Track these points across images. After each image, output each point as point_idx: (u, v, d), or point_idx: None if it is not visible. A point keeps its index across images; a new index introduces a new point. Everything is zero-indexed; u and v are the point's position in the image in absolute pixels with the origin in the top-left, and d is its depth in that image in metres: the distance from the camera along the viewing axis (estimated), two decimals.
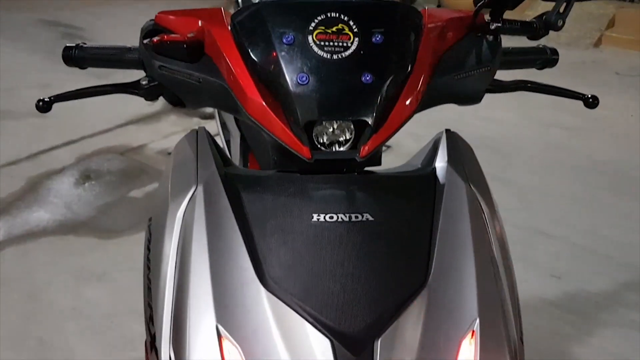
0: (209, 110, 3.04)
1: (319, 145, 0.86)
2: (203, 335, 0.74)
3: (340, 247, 0.79)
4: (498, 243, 0.88)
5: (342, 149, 0.87)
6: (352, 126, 0.85)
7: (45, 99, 0.92)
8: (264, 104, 0.84)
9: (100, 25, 5.88)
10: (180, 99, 0.94)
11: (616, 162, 3.38)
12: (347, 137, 0.86)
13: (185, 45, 0.88)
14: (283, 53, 0.84)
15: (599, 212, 2.88)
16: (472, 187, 0.89)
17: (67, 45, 0.97)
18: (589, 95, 1.06)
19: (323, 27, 0.84)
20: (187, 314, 0.76)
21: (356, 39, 0.84)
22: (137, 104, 3.80)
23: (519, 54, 1.06)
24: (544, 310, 2.25)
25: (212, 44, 0.88)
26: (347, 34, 0.84)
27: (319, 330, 0.73)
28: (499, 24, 0.92)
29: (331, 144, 0.87)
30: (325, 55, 0.83)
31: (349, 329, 0.74)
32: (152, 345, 0.81)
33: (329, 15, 0.85)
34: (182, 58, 0.89)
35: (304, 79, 0.82)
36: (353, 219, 0.81)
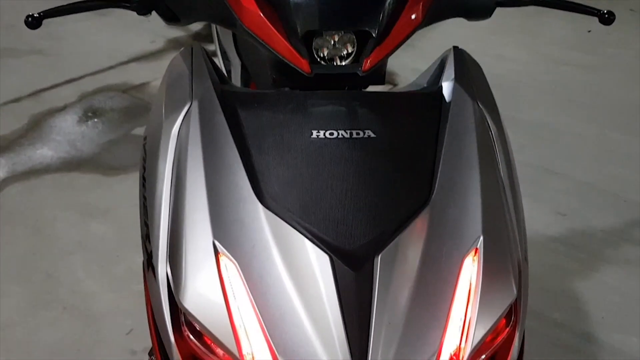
0: (211, 48, 2.98)
1: (319, 60, 0.83)
2: (200, 252, 0.73)
3: (340, 164, 0.77)
4: (505, 163, 0.86)
5: (343, 63, 0.83)
6: (354, 38, 0.82)
7: (35, 15, 0.89)
8: (261, 14, 0.80)
9: None
10: (174, 14, 0.90)
11: (628, 101, 3.32)
12: (349, 51, 0.83)
13: None
14: None
15: (607, 151, 2.84)
16: (479, 105, 0.87)
17: None
18: (605, 11, 1.01)
19: None
20: (184, 230, 0.75)
21: None
22: (140, 42, 3.74)
23: None
24: (549, 247, 2.24)
25: None
26: None
27: (318, 247, 0.72)
28: None
29: (332, 59, 0.84)
30: None
31: (348, 245, 0.73)
32: (149, 264, 0.80)
33: None
34: None
35: None
36: (354, 135, 0.79)
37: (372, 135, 0.79)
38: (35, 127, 2.91)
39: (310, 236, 0.73)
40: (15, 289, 1.97)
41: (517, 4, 1.00)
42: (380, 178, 0.77)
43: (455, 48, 0.94)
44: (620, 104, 3.29)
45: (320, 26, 0.80)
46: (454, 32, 2.53)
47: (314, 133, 0.79)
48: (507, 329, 0.79)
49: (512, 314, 0.79)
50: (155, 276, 0.78)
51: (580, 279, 2.11)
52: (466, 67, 0.92)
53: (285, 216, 0.74)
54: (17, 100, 3.13)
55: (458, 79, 0.88)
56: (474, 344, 0.73)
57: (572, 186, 2.58)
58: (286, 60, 0.82)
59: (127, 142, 2.83)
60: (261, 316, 0.70)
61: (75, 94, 3.21)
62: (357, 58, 0.83)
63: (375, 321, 0.70)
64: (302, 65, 0.81)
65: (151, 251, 0.79)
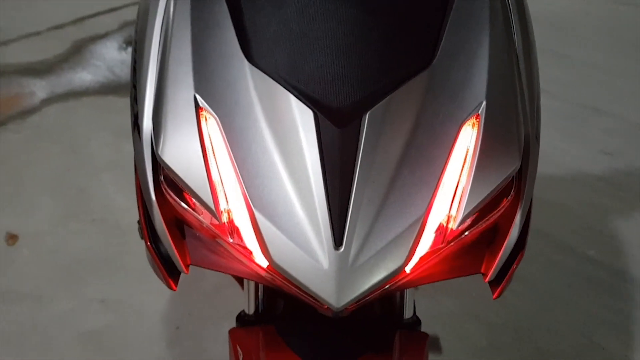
0: None
1: None
2: (181, 106, 0.70)
3: (334, 21, 0.71)
4: (521, 32, 0.78)
5: None
6: None
7: None
8: None
9: None
10: None
11: None
12: None
13: None
14: None
15: None
16: None
17: None
18: None
19: None
20: (166, 85, 0.72)
21: None
22: None
23: None
24: (592, 185, 2.14)
25: None
26: None
27: (303, 102, 0.68)
28: None
29: None
30: None
31: (335, 103, 0.68)
32: (134, 125, 0.78)
33: None
34: None
35: None
36: None
37: None
38: (76, 52, 2.93)
39: (295, 92, 0.68)
40: (48, 201, 2.02)
41: None
42: (378, 38, 0.71)
43: None
44: None
45: None
46: None
47: None
48: (507, 201, 0.73)
49: (513, 188, 0.74)
50: (140, 136, 0.76)
51: (622, 218, 2.01)
52: None
53: (272, 73, 0.70)
54: (60, 26, 3.16)
55: None
56: (465, 212, 0.68)
57: (620, 126, 2.45)
58: None
59: None
60: (239, 171, 0.68)
61: (116, 23, 3.21)
62: None
63: (358, 179, 0.66)
64: None
65: (137, 112, 0.77)
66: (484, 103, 0.69)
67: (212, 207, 0.68)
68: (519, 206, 0.74)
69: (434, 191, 0.67)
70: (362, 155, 0.67)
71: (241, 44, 0.71)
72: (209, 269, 0.76)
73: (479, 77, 0.71)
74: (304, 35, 0.71)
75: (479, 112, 0.69)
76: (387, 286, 0.69)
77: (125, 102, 2.54)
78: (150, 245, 0.77)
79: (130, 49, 2.96)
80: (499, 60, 0.73)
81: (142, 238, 0.81)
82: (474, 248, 0.76)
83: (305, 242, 0.66)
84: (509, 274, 0.77)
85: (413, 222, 0.67)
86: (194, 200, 0.71)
